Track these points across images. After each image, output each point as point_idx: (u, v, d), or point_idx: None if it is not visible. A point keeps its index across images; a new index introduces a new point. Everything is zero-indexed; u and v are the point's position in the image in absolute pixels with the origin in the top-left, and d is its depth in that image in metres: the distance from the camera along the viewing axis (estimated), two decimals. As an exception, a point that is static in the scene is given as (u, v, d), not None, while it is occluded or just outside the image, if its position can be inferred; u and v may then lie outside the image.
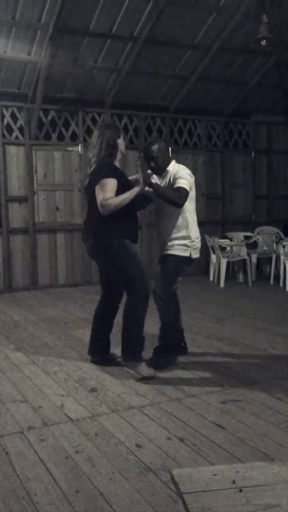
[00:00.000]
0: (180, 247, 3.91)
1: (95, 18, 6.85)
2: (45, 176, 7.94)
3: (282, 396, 3.41)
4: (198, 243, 4.01)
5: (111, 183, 3.61)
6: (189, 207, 3.93)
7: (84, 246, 4.01)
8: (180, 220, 3.91)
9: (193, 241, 3.94)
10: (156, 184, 3.82)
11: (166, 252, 3.96)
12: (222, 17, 7.34)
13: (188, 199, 3.86)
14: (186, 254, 3.94)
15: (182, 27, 7.36)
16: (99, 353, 4.13)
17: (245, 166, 9.59)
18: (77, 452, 2.69)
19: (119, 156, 3.83)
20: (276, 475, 1.28)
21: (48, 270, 8.03)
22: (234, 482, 1.23)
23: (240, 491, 1.20)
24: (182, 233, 3.91)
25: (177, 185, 3.78)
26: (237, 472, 1.29)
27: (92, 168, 3.80)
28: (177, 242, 3.91)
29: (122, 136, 3.86)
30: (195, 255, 3.99)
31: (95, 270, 8.19)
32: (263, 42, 6.87)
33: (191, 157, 8.81)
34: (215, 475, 1.26)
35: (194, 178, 3.94)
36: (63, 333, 5.19)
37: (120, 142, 3.81)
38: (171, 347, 4.08)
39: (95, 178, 3.70)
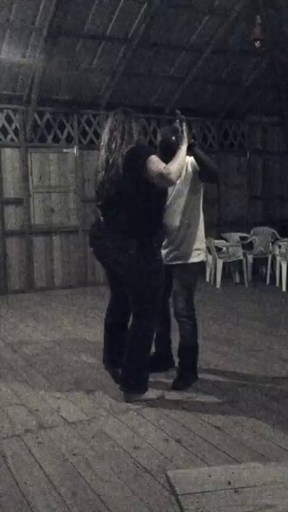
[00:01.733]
0: (196, 252, 3.57)
1: (89, 20, 6.85)
2: (41, 179, 7.93)
3: (278, 397, 3.41)
4: (205, 244, 3.75)
5: (155, 158, 3.13)
6: (200, 202, 3.62)
7: (105, 247, 3.37)
8: (194, 220, 3.57)
9: (203, 243, 3.65)
10: (196, 146, 3.39)
11: (181, 262, 3.55)
12: (216, 18, 7.35)
13: (200, 194, 3.61)
14: (201, 258, 3.63)
15: (176, 28, 7.37)
16: (114, 364, 3.75)
17: (240, 166, 9.60)
18: (74, 454, 2.69)
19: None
20: (271, 476, 1.28)
21: (44, 272, 8.02)
22: (229, 483, 1.24)
23: (236, 491, 1.20)
24: (194, 234, 3.55)
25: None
26: (233, 472, 1.29)
27: (121, 159, 3.19)
28: (192, 247, 3.54)
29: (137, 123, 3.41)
30: (205, 257, 3.74)
31: (91, 272, 8.21)
32: (257, 44, 6.87)
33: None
34: (210, 476, 1.26)
35: None
36: (60, 336, 5.19)
37: (135, 126, 3.35)
38: (194, 366, 3.72)
39: (131, 166, 3.16)
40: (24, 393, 3.61)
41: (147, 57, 7.64)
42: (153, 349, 3.65)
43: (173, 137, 3.43)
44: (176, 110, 3.39)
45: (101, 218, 3.39)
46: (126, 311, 3.62)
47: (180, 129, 3.34)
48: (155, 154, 3.18)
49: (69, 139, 8.07)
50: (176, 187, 3.50)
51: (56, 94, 7.85)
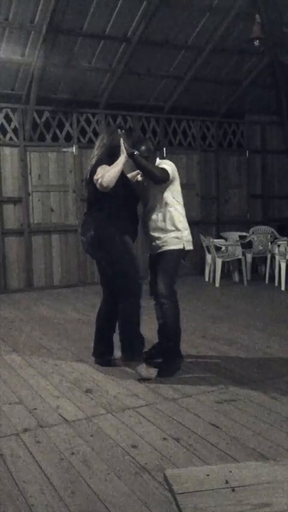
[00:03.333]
0: (172, 240, 3.91)
1: (89, 19, 6.85)
2: (40, 178, 7.93)
3: (277, 396, 3.42)
4: (188, 235, 4.00)
5: (104, 166, 3.72)
6: (173, 199, 3.94)
7: (83, 239, 3.99)
8: (166, 213, 3.92)
9: (182, 233, 3.94)
10: (137, 155, 3.78)
11: (160, 250, 3.94)
12: (216, 17, 7.36)
13: (171, 191, 3.92)
14: (180, 246, 3.93)
15: (176, 27, 7.37)
16: (103, 355, 4.12)
17: (240, 166, 9.61)
18: (72, 453, 2.69)
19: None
20: (268, 475, 1.29)
21: (43, 271, 8.02)
22: (227, 482, 1.24)
23: (233, 490, 1.21)
24: (170, 226, 3.91)
25: (159, 166, 3.89)
26: (230, 471, 1.29)
27: (92, 164, 3.85)
28: (167, 236, 3.91)
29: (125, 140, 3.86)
30: (189, 246, 3.98)
31: (90, 270, 8.21)
32: (256, 43, 6.89)
33: (185, 157, 8.82)
34: (208, 475, 1.27)
35: (176, 173, 3.98)
36: (59, 335, 5.19)
37: (124, 148, 3.78)
38: (179, 350, 4.01)
39: (93, 171, 3.77)
40: (22, 391, 3.60)
41: (146, 56, 7.64)
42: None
43: (143, 148, 3.91)
44: (118, 130, 3.90)
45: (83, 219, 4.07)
46: (117, 308, 3.93)
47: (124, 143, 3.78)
48: (106, 163, 3.73)
49: (68, 138, 8.07)
50: (150, 186, 3.97)
51: (55, 92, 7.85)
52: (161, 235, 3.93)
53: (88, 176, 3.86)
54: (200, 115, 9.03)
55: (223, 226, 9.27)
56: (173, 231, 3.91)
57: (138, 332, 3.83)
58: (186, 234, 3.97)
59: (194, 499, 1.17)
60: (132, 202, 3.97)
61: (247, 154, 9.64)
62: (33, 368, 4.13)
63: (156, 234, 3.95)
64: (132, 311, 3.82)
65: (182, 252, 3.96)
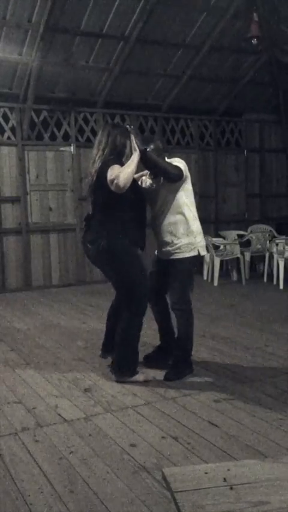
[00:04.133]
0: (186, 246, 3.69)
1: (86, 17, 6.84)
2: (38, 177, 7.92)
3: (276, 394, 3.42)
4: (202, 239, 3.81)
5: (116, 167, 3.44)
6: (186, 200, 3.73)
7: (88, 248, 3.71)
8: (178, 217, 3.69)
9: (196, 237, 3.73)
10: (150, 151, 3.57)
11: (172, 257, 3.72)
12: (213, 16, 7.36)
13: (185, 191, 3.71)
14: (194, 253, 3.71)
15: (173, 26, 7.37)
16: (108, 352, 3.98)
17: (238, 164, 9.61)
18: (71, 452, 2.69)
19: (124, 158, 3.63)
20: (267, 473, 1.29)
21: (41, 270, 8.02)
22: (225, 480, 1.24)
23: (231, 488, 1.21)
24: (184, 230, 3.69)
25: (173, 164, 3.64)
26: (229, 469, 1.29)
27: (97, 166, 3.57)
28: (181, 242, 3.68)
29: (128, 137, 3.64)
30: (203, 252, 3.79)
31: (88, 270, 8.21)
32: (254, 41, 6.89)
33: (183, 156, 8.72)
34: (206, 473, 1.27)
35: (188, 172, 3.76)
36: (57, 334, 5.19)
37: (128, 143, 3.62)
38: (190, 357, 3.87)
39: (100, 175, 3.51)
40: (21, 391, 3.61)
41: (144, 55, 7.63)
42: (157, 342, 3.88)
43: (151, 147, 3.71)
44: (127, 126, 3.73)
45: (84, 224, 3.84)
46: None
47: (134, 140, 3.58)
48: (120, 164, 3.50)
49: (66, 137, 8.06)
50: (160, 189, 3.74)
51: (52, 91, 7.84)
52: (174, 241, 3.70)
53: (95, 179, 3.58)
54: (198, 114, 9.03)
55: (221, 225, 9.28)
56: (186, 236, 3.69)
57: (135, 349, 3.70)
58: (200, 238, 3.77)
59: (193, 497, 1.17)
60: (142, 206, 3.73)
61: (245, 153, 9.65)
62: (32, 367, 4.13)
63: (167, 239, 3.72)
64: (134, 329, 3.66)
65: (197, 258, 3.77)
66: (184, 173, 3.67)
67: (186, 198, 3.74)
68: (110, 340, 3.92)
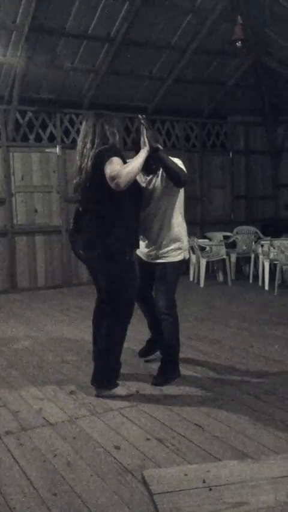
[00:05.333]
0: (175, 252, 3.63)
1: (71, 18, 6.83)
2: (23, 178, 7.88)
3: (261, 395, 3.43)
4: (187, 243, 3.80)
5: (115, 160, 3.10)
6: (179, 204, 3.66)
7: (81, 254, 3.49)
8: (171, 220, 3.61)
9: (184, 242, 3.69)
10: (162, 149, 3.31)
11: (160, 261, 3.64)
12: (198, 18, 7.39)
13: (180, 195, 3.61)
14: (181, 257, 3.68)
15: (158, 28, 7.38)
16: None
17: (223, 166, 9.66)
18: (55, 455, 2.67)
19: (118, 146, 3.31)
20: (246, 474, 1.29)
21: (27, 272, 7.97)
22: (204, 481, 1.24)
23: (210, 489, 1.21)
24: (174, 234, 3.62)
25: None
26: (208, 471, 1.29)
27: (89, 161, 3.21)
28: (171, 247, 3.62)
29: (115, 124, 3.34)
30: (187, 255, 3.80)
31: (74, 272, 8.19)
32: (238, 44, 6.93)
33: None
34: (186, 475, 1.27)
35: None
36: (43, 336, 5.15)
37: (117, 131, 3.30)
38: (176, 363, 3.80)
39: (96, 170, 3.17)
40: (5, 394, 3.57)
41: (129, 56, 7.64)
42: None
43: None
44: (139, 115, 3.35)
45: (72, 223, 3.54)
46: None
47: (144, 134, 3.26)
48: (119, 156, 3.15)
49: (51, 139, 8.03)
50: (155, 190, 3.57)
51: (37, 93, 7.81)
52: (164, 244, 3.62)
53: (90, 176, 3.21)
54: (184, 116, 9.06)
55: (207, 227, 9.30)
56: (175, 240, 3.63)
57: (117, 359, 3.47)
58: (186, 242, 3.73)
59: (171, 499, 1.17)
60: (137, 201, 3.45)
61: (231, 155, 9.70)
62: (17, 370, 4.10)
63: (157, 242, 3.63)
64: (117, 337, 3.43)
65: (182, 262, 3.76)
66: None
67: (179, 201, 3.66)
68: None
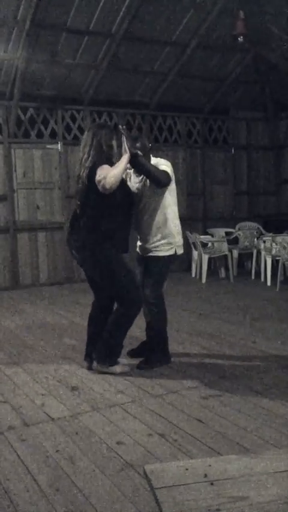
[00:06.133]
0: (165, 246, 3.82)
1: (72, 14, 6.80)
2: (25, 175, 7.88)
3: (262, 390, 3.44)
4: (180, 239, 3.92)
5: (106, 166, 3.49)
6: (171, 200, 3.82)
7: (73, 252, 3.83)
8: (161, 216, 3.79)
9: (175, 238, 3.85)
10: (141, 156, 3.60)
11: (151, 254, 3.85)
12: (200, 13, 7.35)
13: (169, 191, 3.78)
14: (171, 252, 3.84)
15: (160, 23, 7.35)
16: (91, 358, 3.93)
17: (225, 162, 9.64)
18: (57, 451, 2.68)
19: (115, 159, 3.63)
20: (247, 468, 1.29)
21: (29, 269, 7.98)
22: (206, 475, 1.24)
23: (212, 484, 1.21)
24: (164, 230, 3.80)
25: (160, 169, 3.68)
26: (210, 465, 1.29)
27: (86, 171, 3.57)
28: (161, 242, 3.81)
29: (115, 137, 3.69)
30: (180, 251, 3.91)
31: (77, 268, 8.17)
32: (240, 39, 6.90)
33: (171, 153, 8.81)
34: (188, 469, 1.27)
35: (173, 172, 3.81)
36: (45, 333, 5.17)
37: (114, 144, 3.66)
38: (165, 349, 4.01)
39: (91, 179, 3.52)
40: (8, 390, 3.59)
41: (130, 52, 7.62)
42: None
43: (137, 145, 3.71)
44: (119, 126, 3.67)
45: (67, 226, 3.90)
46: (104, 308, 3.91)
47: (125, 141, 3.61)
48: (109, 164, 3.52)
49: (53, 135, 8.02)
50: (145, 189, 3.80)
51: (38, 89, 7.80)
52: (154, 239, 3.82)
53: (86, 184, 3.57)
54: (186, 112, 9.04)
55: (209, 223, 9.29)
56: (167, 236, 3.81)
57: (119, 342, 3.82)
58: (178, 238, 3.89)
59: (173, 494, 1.18)
60: (128, 208, 3.75)
61: (233, 151, 9.68)
62: (19, 366, 4.11)
63: (148, 237, 3.84)
64: (129, 320, 3.76)
65: (173, 257, 3.88)
66: (171, 176, 3.72)
67: (170, 198, 3.83)
68: (92, 346, 3.90)
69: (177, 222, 3.91)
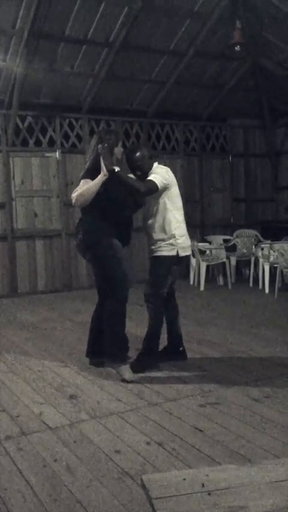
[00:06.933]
0: (166, 246, 3.93)
1: (70, 23, 6.85)
2: (23, 183, 7.90)
3: (260, 398, 3.43)
4: (185, 241, 4.01)
5: (87, 181, 3.77)
6: (169, 205, 3.93)
7: (75, 241, 4.09)
8: (162, 220, 3.92)
9: (177, 239, 3.93)
10: (119, 171, 3.76)
11: (154, 254, 3.99)
12: (197, 22, 7.42)
13: (168, 197, 3.90)
14: (173, 253, 3.93)
15: (157, 32, 7.41)
16: (97, 355, 4.13)
17: (223, 169, 9.67)
18: (55, 460, 2.67)
19: (114, 163, 3.77)
20: (245, 477, 1.29)
21: (27, 276, 7.98)
22: (203, 485, 1.24)
23: (209, 494, 1.21)
24: (166, 232, 3.92)
25: (149, 177, 3.84)
26: (207, 475, 1.29)
27: (82, 173, 3.93)
28: (162, 243, 3.93)
29: (120, 144, 3.88)
30: (184, 253, 3.99)
31: (75, 276, 8.19)
32: (237, 48, 6.96)
33: (169, 161, 8.80)
34: (185, 479, 1.27)
35: (173, 178, 3.96)
36: (43, 340, 5.16)
37: (117, 150, 3.83)
38: (154, 352, 4.08)
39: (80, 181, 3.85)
40: (5, 399, 3.57)
41: (128, 61, 7.67)
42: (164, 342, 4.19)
43: (136, 156, 3.92)
44: (99, 146, 3.76)
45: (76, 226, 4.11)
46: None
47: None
48: (87, 178, 3.80)
49: (51, 143, 8.05)
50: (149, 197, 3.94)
51: (37, 97, 7.84)
52: (156, 240, 3.96)
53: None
54: (183, 119, 9.08)
55: (207, 230, 9.32)
56: (168, 237, 3.92)
57: (120, 334, 3.87)
58: (181, 240, 3.97)
59: (170, 504, 1.17)
60: (115, 210, 3.86)
61: (230, 158, 9.72)
62: (16, 374, 4.10)
63: (152, 239, 3.99)
64: (116, 314, 3.85)
65: (175, 258, 3.96)
66: (160, 185, 3.82)
67: (169, 203, 3.94)
68: (94, 343, 4.12)
69: (182, 225, 4.02)
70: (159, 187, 3.80)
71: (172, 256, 3.94)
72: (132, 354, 4.07)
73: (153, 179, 3.80)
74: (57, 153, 8.06)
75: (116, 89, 8.08)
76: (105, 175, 3.69)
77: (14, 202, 7.83)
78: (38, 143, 7.97)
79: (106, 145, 3.73)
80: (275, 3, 6.98)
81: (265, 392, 3.55)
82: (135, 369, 3.90)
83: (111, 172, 3.69)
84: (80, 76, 7.75)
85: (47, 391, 3.70)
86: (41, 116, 7.92)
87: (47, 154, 8.03)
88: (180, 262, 4.07)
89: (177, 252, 3.95)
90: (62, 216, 8.10)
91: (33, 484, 2.44)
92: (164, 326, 4.16)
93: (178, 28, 7.48)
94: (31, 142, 7.91)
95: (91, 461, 2.65)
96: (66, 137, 8.17)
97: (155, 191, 3.81)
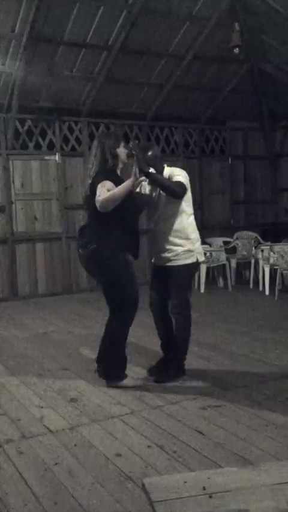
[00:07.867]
0: (185, 253, 3.74)
1: (69, 27, 6.87)
2: (23, 186, 7.90)
3: (261, 401, 3.43)
4: (200, 246, 3.87)
5: (107, 184, 3.45)
6: (186, 208, 3.77)
7: (81, 252, 3.69)
8: (177, 223, 3.73)
9: (194, 245, 3.78)
10: (154, 173, 3.56)
11: (171, 264, 3.76)
12: (196, 25, 7.43)
13: (185, 200, 3.73)
14: (193, 260, 3.76)
15: (156, 36, 7.43)
16: (102, 361, 3.88)
17: (223, 172, 9.68)
18: (56, 464, 2.67)
19: (120, 165, 3.66)
20: (245, 480, 1.29)
21: (27, 280, 7.98)
22: (204, 488, 1.24)
23: (210, 497, 1.21)
24: (181, 237, 3.74)
25: (175, 179, 3.65)
26: (208, 478, 1.29)
27: (92, 179, 3.60)
28: (180, 249, 3.73)
29: (122, 145, 3.66)
30: (201, 258, 3.86)
31: (75, 279, 8.19)
32: (236, 50, 6.97)
33: (168, 164, 8.82)
34: (186, 482, 1.27)
35: (188, 179, 3.77)
36: (44, 344, 5.15)
37: (120, 151, 3.62)
38: (182, 362, 3.93)
39: (94, 189, 3.51)
40: (6, 402, 3.57)
41: (127, 64, 7.68)
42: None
43: (149, 155, 3.70)
44: (130, 142, 3.61)
45: (78, 233, 3.81)
46: None
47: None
48: (109, 179, 3.48)
49: (51, 146, 8.06)
50: (160, 198, 3.75)
51: (36, 101, 7.85)
52: (173, 248, 3.74)
53: (88, 190, 3.60)
54: (182, 122, 9.09)
55: (207, 232, 9.29)
56: (185, 243, 3.74)
57: (123, 355, 3.71)
58: (198, 245, 3.83)
59: (172, 507, 1.17)
60: (133, 217, 3.70)
61: (229, 161, 9.73)
62: (17, 378, 4.10)
63: (167, 246, 3.75)
64: (119, 337, 3.68)
65: (195, 265, 3.83)
66: (187, 187, 3.70)
67: (186, 206, 3.78)
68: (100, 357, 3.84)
69: (195, 229, 3.87)
70: (188, 188, 3.68)
71: (192, 263, 3.78)
72: (143, 363, 4.05)
73: (182, 180, 3.63)
74: (56, 156, 8.07)
75: (115, 92, 8.09)
76: (137, 178, 3.47)
77: (13, 206, 7.83)
78: (37, 146, 7.97)
79: (136, 142, 3.59)
80: (274, 6, 7.00)
81: (266, 394, 3.55)
82: (161, 380, 3.77)
83: (145, 174, 3.49)
84: (79, 80, 7.77)
85: (48, 394, 3.69)
86: (40, 119, 7.92)
87: (46, 158, 8.04)
88: (197, 268, 3.93)
89: (197, 258, 3.78)
90: (62, 219, 8.10)
91: (34, 488, 2.43)
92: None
93: (177, 31, 7.49)
94: (31, 145, 7.91)
95: (92, 464, 2.65)
96: (65, 140, 8.17)
97: (185, 193, 3.67)
